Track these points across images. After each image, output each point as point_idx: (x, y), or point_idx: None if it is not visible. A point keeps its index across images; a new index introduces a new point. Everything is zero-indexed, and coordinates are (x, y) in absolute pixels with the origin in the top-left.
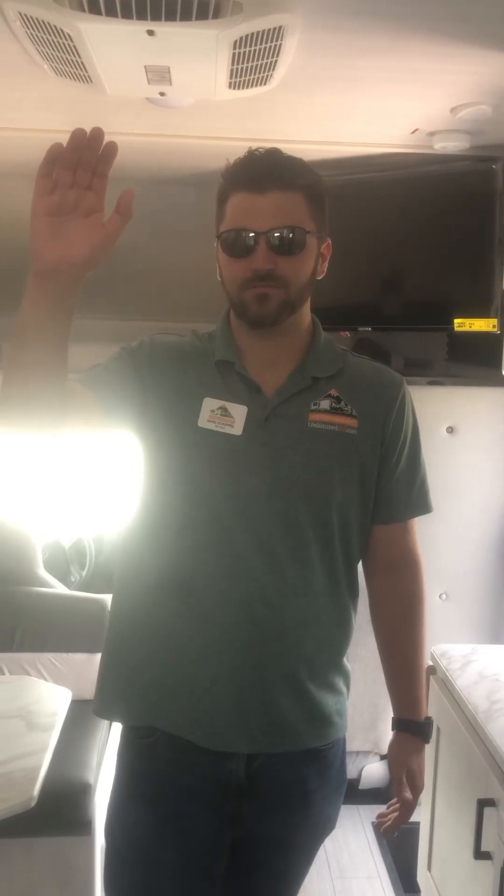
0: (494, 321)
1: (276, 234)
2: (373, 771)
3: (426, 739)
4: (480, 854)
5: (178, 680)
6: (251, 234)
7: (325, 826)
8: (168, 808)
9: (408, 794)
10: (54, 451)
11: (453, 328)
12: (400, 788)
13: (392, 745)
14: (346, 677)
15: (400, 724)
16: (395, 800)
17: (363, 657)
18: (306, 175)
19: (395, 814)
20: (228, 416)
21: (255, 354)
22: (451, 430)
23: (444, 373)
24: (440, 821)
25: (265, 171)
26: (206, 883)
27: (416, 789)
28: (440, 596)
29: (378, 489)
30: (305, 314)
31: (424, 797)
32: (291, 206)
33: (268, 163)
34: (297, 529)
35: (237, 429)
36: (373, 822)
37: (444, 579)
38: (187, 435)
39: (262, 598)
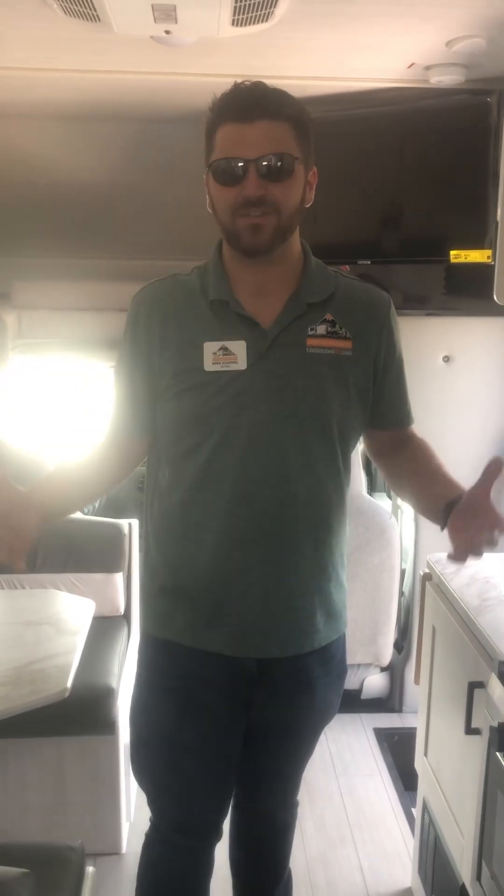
0: (489, 252)
1: (265, 162)
2: (373, 682)
3: None
4: (471, 730)
5: (213, 606)
6: (241, 163)
7: (327, 711)
8: (189, 697)
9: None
10: (69, 389)
11: (449, 260)
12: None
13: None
14: (345, 572)
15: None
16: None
17: (363, 577)
18: (292, 105)
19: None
20: (230, 354)
21: (249, 284)
22: (447, 359)
23: (442, 306)
24: (435, 711)
25: (252, 101)
26: (223, 763)
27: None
28: None
29: (378, 400)
30: (295, 242)
31: (421, 692)
32: (279, 134)
33: (254, 94)
34: (306, 448)
35: (241, 363)
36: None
37: None
38: (197, 381)
39: (278, 515)
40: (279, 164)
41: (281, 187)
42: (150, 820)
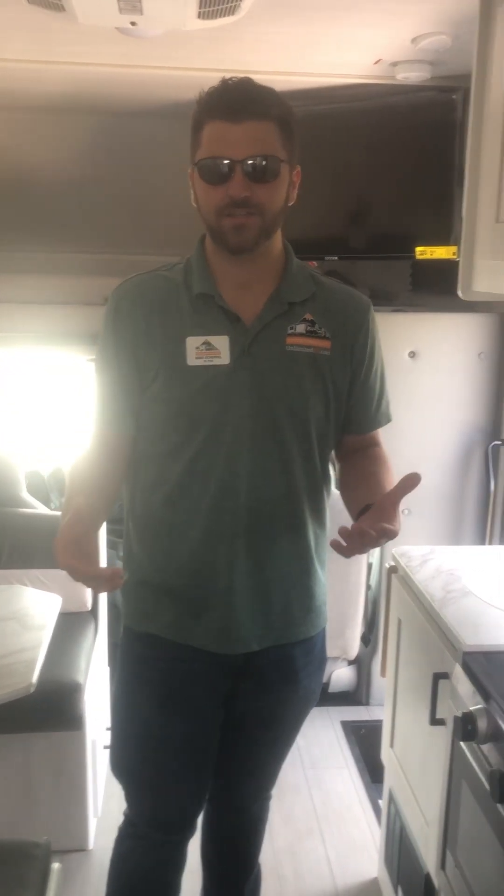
0: (454, 249)
1: (251, 163)
2: (341, 675)
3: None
4: (436, 721)
5: (198, 601)
6: (227, 162)
7: (308, 700)
8: (172, 690)
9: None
10: (31, 390)
11: (415, 256)
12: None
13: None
14: (324, 569)
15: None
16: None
17: (331, 570)
18: (279, 105)
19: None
20: (213, 349)
21: (232, 280)
22: (413, 354)
23: (408, 302)
24: (401, 703)
25: (240, 100)
26: (203, 756)
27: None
28: (403, 511)
29: (349, 404)
30: (278, 240)
31: (387, 684)
32: (265, 135)
33: (242, 92)
34: (284, 445)
35: (224, 358)
36: (343, 722)
37: (407, 496)
38: (180, 375)
39: (257, 510)
40: (264, 164)
41: (266, 189)
42: (125, 814)
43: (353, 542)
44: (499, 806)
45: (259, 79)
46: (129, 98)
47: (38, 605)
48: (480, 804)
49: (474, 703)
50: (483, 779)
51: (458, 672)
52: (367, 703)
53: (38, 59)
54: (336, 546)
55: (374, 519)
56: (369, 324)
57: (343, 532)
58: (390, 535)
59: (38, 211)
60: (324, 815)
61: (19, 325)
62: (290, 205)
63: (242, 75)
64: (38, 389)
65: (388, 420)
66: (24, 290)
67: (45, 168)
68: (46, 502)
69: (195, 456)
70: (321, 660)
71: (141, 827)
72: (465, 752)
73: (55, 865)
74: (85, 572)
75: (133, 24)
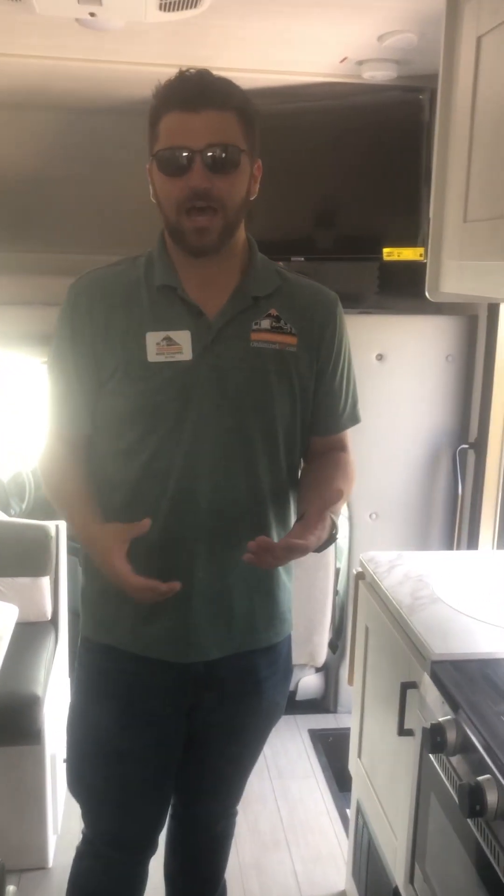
0: (421, 250)
1: (210, 153)
2: (309, 683)
3: (332, 533)
4: (404, 731)
5: (156, 608)
6: (186, 153)
7: (274, 711)
8: (131, 704)
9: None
10: None
11: (382, 258)
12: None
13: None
14: (290, 574)
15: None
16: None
17: (298, 576)
18: (238, 95)
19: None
20: (175, 344)
21: (194, 276)
22: (380, 357)
23: (375, 305)
24: (369, 712)
25: (198, 90)
26: (164, 772)
27: (312, 529)
28: (370, 515)
29: (315, 403)
30: (241, 235)
31: (355, 693)
32: (225, 124)
33: (200, 83)
34: (248, 444)
35: (186, 353)
36: (311, 731)
37: (374, 499)
38: (140, 372)
39: (219, 512)
40: (224, 154)
41: (227, 180)
42: (83, 833)
43: (262, 557)
44: (468, 821)
45: (222, 74)
46: (91, 94)
47: None
48: (449, 818)
49: (443, 714)
50: (452, 792)
51: (427, 681)
52: (334, 711)
53: None
54: (248, 559)
55: (292, 533)
56: (337, 319)
57: (251, 546)
58: (299, 549)
59: None
60: (290, 826)
61: None
62: (251, 199)
63: (200, 68)
64: None
65: (357, 421)
66: None
67: (2, 165)
68: (6, 509)
69: (153, 455)
70: (287, 670)
71: (99, 846)
72: (433, 764)
73: (10, 888)
74: (163, 592)
75: (92, 14)
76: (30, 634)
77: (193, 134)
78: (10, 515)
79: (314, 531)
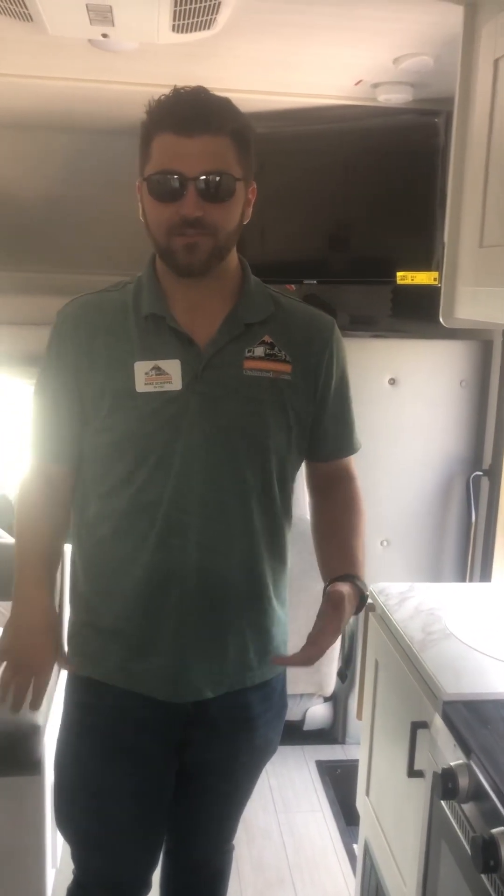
0: (435, 274)
1: (204, 179)
2: (316, 712)
3: (363, 597)
4: (414, 773)
5: (145, 644)
6: (178, 179)
7: (266, 749)
8: (120, 740)
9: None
10: None
11: (396, 281)
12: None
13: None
14: (285, 608)
15: (335, 580)
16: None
17: (306, 603)
18: (235, 119)
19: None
20: (164, 374)
21: (184, 301)
22: (392, 381)
23: (389, 328)
24: (378, 749)
25: (193, 113)
26: (155, 810)
27: (340, 611)
28: (381, 543)
29: (317, 430)
30: (233, 259)
31: (364, 727)
32: (220, 151)
33: (196, 104)
34: (239, 476)
35: (176, 383)
36: (318, 761)
37: (386, 527)
38: (128, 402)
39: (211, 547)
40: (218, 183)
41: (220, 209)
42: (73, 873)
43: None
44: (482, 876)
45: (236, 98)
46: (100, 115)
47: None
48: (462, 869)
49: (455, 758)
50: (465, 843)
51: (438, 722)
52: (343, 742)
53: (6, 73)
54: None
55: (322, 628)
56: (334, 345)
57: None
58: (316, 656)
59: None
60: (296, 863)
61: None
62: (244, 223)
63: (196, 84)
64: None
65: (357, 447)
66: None
67: (6, 186)
68: (10, 528)
69: (141, 487)
70: (281, 706)
71: (90, 888)
72: (445, 810)
73: None
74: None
75: (105, 35)
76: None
77: (187, 160)
78: (8, 537)
79: (340, 618)
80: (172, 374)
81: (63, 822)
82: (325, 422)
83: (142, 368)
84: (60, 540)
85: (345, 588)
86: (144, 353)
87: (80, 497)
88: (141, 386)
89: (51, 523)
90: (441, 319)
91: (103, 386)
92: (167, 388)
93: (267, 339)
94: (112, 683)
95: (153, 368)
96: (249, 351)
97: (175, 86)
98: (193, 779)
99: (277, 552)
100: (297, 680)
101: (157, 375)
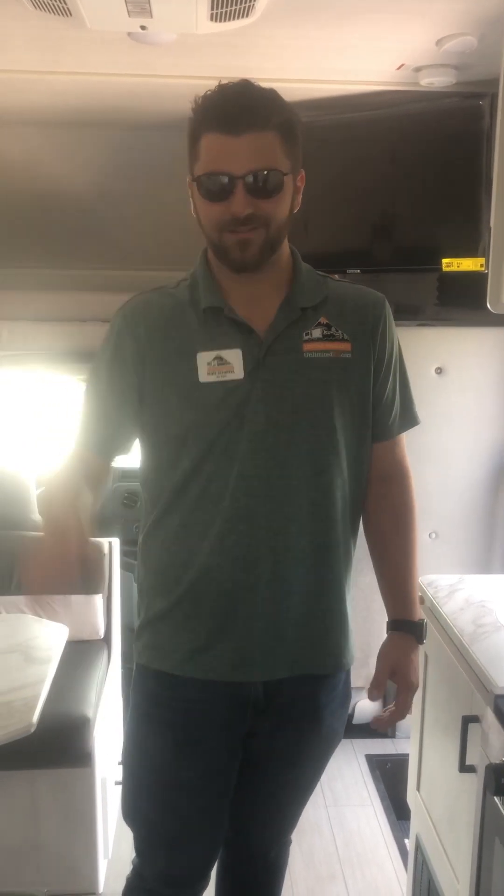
0: (482, 260)
1: (252, 179)
2: (366, 706)
3: (420, 639)
4: (465, 768)
5: (215, 631)
6: (227, 179)
7: (332, 739)
8: (188, 732)
9: (398, 688)
10: (46, 403)
11: (441, 269)
12: (381, 681)
13: (383, 644)
14: (350, 594)
15: (393, 625)
16: (392, 704)
17: (355, 596)
18: (280, 112)
19: (390, 711)
20: (226, 364)
21: (240, 292)
22: (439, 370)
23: (434, 317)
24: (428, 743)
25: (239, 110)
26: (220, 802)
27: (410, 684)
28: (430, 535)
29: (374, 406)
30: (284, 247)
31: (414, 721)
32: (267, 147)
33: (241, 101)
34: (309, 459)
35: (238, 372)
36: (367, 755)
37: (434, 518)
38: (192, 393)
39: (282, 530)
40: (266, 179)
41: (269, 203)
42: (133, 864)
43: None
44: None
45: (277, 87)
46: (143, 110)
47: (44, 636)
48: None
49: None
50: None
51: (490, 717)
52: (393, 736)
53: (47, 70)
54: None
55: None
56: (387, 318)
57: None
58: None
59: (46, 227)
60: (346, 857)
61: (32, 342)
62: (295, 211)
63: (241, 79)
64: (48, 408)
65: (416, 422)
66: (33, 307)
67: (57, 184)
68: None
69: (209, 477)
70: (345, 696)
71: (150, 881)
72: (498, 807)
73: None
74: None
75: (143, 27)
76: (82, 653)
77: (235, 158)
78: None
79: (415, 676)
80: (234, 363)
81: (130, 815)
82: (386, 396)
83: (204, 359)
84: (86, 516)
85: (406, 657)
86: (206, 345)
87: (151, 488)
88: (204, 376)
89: (80, 498)
90: (488, 306)
91: (166, 379)
92: (229, 377)
93: (323, 320)
94: (182, 674)
95: (215, 358)
96: (307, 334)
97: (220, 80)
98: (259, 768)
99: (349, 537)
100: None
101: (220, 365)
